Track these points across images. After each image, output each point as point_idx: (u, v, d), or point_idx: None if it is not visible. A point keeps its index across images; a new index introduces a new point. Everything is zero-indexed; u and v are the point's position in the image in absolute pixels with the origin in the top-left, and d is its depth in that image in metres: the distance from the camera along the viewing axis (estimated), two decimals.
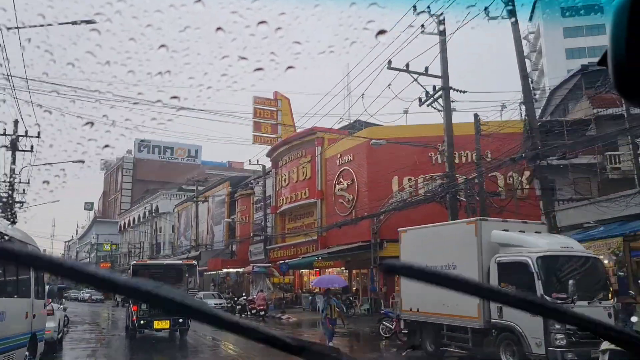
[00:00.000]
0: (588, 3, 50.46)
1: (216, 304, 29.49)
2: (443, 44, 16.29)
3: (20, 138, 21.34)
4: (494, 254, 9.09)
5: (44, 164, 24.38)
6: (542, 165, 13.48)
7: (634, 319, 9.15)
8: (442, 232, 10.67)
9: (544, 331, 7.87)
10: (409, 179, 23.86)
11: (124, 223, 70.70)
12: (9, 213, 21.65)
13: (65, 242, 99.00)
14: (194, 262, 17.61)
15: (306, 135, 30.02)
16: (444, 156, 19.32)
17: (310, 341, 0.85)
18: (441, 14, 15.71)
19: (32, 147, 21.32)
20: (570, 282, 7.76)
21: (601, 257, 10.38)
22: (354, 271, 27.11)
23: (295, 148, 31.40)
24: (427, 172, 22.99)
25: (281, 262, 27.99)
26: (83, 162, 23.98)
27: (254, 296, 26.78)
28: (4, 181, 21.47)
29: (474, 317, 9.12)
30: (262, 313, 24.02)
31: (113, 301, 44.57)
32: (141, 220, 62.45)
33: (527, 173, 22.33)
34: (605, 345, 6.98)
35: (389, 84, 16.62)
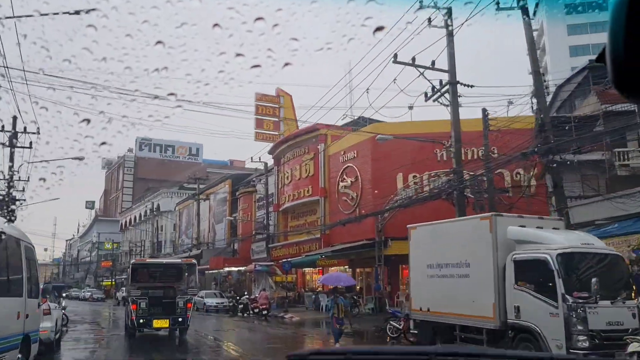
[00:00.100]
0: (591, 0, 50.04)
1: (218, 303, 29.21)
2: (450, 37, 15.90)
3: (20, 135, 21.01)
4: (509, 251, 8.67)
5: (43, 161, 24.06)
6: (554, 161, 13.07)
7: None
8: (454, 229, 10.26)
9: (565, 332, 7.45)
10: (414, 176, 23.44)
11: (125, 221, 70.45)
12: (7, 211, 21.30)
13: (66, 240, 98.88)
14: (194, 260, 17.33)
15: (309, 132, 29.62)
16: (449, 153, 18.94)
17: None
18: (449, 8, 15.36)
19: (30, 143, 20.99)
20: (593, 280, 7.34)
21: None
22: (357, 270, 26.71)
23: (297, 145, 30.99)
24: (432, 169, 22.57)
25: (284, 260, 27.60)
26: (82, 158, 23.62)
27: (257, 295, 26.42)
28: (2, 179, 21.12)
29: (489, 317, 8.70)
30: (264, 312, 23.64)
31: (114, 300, 44.30)
32: (142, 218, 62.16)
33: (533, 170, 22.01)
34: (634, 347, 6.57)
35: (394, 79, 16.24)
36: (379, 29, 10.21)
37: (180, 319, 14.05)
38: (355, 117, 26.57)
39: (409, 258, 11.18)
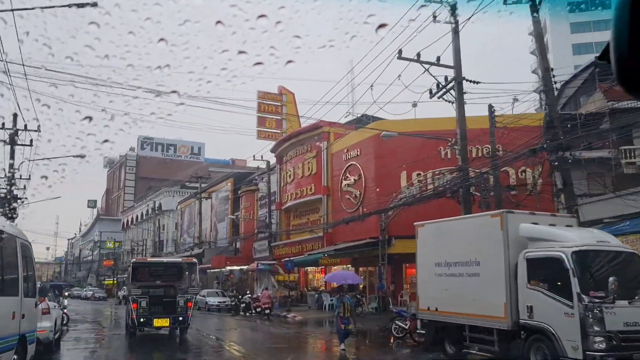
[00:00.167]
0: None
1: (220, 302, 28.98)
2: (455, 32, 15.62)
3: (21, 132, 20.78)
4: (521, 249, 8.39)
5: (44, 159, 23.84)
6: (564, 157, 12.79)
7: None
8: (463, 226, 9.98)
9: (581, 333, 7.17)
10: (418, 174, 23.17)
11: (127, 220, 70.36)
12: (8, 209, 21.09)
13: (68, 239, 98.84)
14: (194, 259, 17.20)
15: (311, 129, 29.35)
16: (454, 150, 18.64)
17: None
18: (454, 3, 15.09)
19: (31, 141, 20.77)
20: (610, 279, 7.05)
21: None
22: (360, 268, 26.44)
23: (300, 143, 30.74)
24: (436, 166, 22.34)
25: (286, 259, 27.34)
26: (84, 156, 23.36)
27: (259, 294, 26.17)
28: (2, 177, 20.90)
29: (500, 317, 8.42)
30: (267, 312, 23.40)
31: (116, 299, 44.13)
32: (144, 217, 62.03)
33: (540, 167, 21.72)
34: None
35: (399, 75, 16.02)
36: (382, 26, 10.02)
37: (180, 318, 14.00)
38: (359, 115, 26.30)
39: (416, 256, 10.91)
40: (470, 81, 15.93)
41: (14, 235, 6.90)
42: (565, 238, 8.07)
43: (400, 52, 15.51)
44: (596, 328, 7.11)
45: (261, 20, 7.16)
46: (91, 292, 52.91)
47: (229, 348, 13.30)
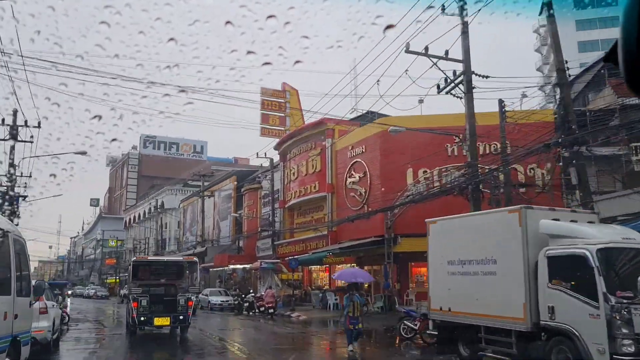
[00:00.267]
0: None
1: (222, 301, 28.62)
2: (465, 25, 15.21)
3: (24, 129, 20.43)
4: (541, 246, 7.95)
5: (42, 155, 23.53)
6: (580, 152, 12.36)
7: None
8: (479, 223, 9.54)
9: (607, 335, 6.74)
10: (424, 171, 22.73)
11: (130, 219, 70.15)
12: (10, 206, 20.78)
13: (71, 238, 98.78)
14: (195, 258, 17.05)
15: (315, 126, 28.95)
16: (461, 147, 18.18)
17: None
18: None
19: (31, 137, 20.43)
20: (639, 278, 6.62)
21: None
22: (365, 267, 25.98)
23: (304, 140, 30.33)
24: (443, 164, 21.89)
25: (291, 257, 26.95)
26: (85, 153, 23.03)
27: (262, 293, 25.79)
28: (3, 175, 20.58)
29: (518, 318, 8.00)
30: (270, 311, 23.01)
31: (118, 298, 43.85)
32: (146, 216, 61.80)
33: (550, 164, 21.27)
34: None
35: (406, 70, 15.62)
36: (389, 27, 9.80)
37: (181, 317, 13.88)
38: (364, 111, 25.90)
39: (428, 254, 10.48)
40: (480, 75, 15.54)
41: (5, 230, 6.51)
42: (589, 235, 7.63)
43: (407, 45, 15.14)
44: (624, 330, 6.67)
45: (270, 21, 6.93)
46: (93, 291, 52.75)
47: (232, 349, 12.93)
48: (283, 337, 16.38)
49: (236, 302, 27.60)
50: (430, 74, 15.69)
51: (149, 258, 24.22)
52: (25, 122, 20.61)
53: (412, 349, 12.39)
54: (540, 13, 15.71)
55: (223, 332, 17.35)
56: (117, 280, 57.17)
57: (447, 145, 21.93)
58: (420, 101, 24.78)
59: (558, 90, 13.45)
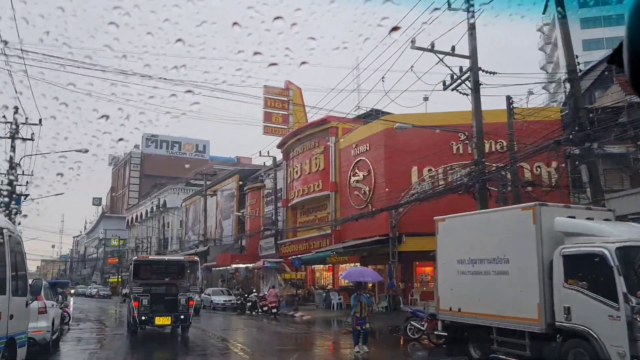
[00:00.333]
0: None
1: (225, 301, 28.38)
2: (471, 16, 14.91)
3: (28, 127, 20.21)
4: (556, 245, 7.66)
5: (45, 153, 23.31)
6: (591, 149, 12.06)
7: None
8: (490, 220, 9.24)
9: (628, 337, 6.45)
10: (429, 170, 22.44)
11: (132, 218, 70.04)
12: (11, 205, 20.56)
13: (73, 237, 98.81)
14: (196, 257, 16.87)
15: (319, 124, 28.68)
16: (467, 145, 17.88)
17: None
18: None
19: (32, 135, 20.21)
20: None
21: None
22: (369, 267, 25.69)
23: (307, 139, 30.06)
24: (448, 162, 21.59)
25: (294, 257, 26.68)
26: (86, 151, 22.78)
27: (265, 292, 25.54)
28: (4, 173, 20.36)
29: (533, 319, 7.71)
30: (273, 311, 22.75)
31: (120, 297, 43.69)
32: (149, 215, 61.65)
33: (558, 163, 20.95)
34: None
35: (412, 66, 15.39)
36: (395, 29, 9.81)
37: (182, 316, 13.80)
38: (368, 109, 25.61)
39: (436, 253, 10.19)
40: (487, 72, 15.27)
41: (1, 226, 6.26)
42: (607, 233, 7.34)
43: (413, 41, 14.89)
44: None
45: (277, 22, 6.85)
46: (96, 290, 52.66)
47: (235, 349, 12.68)
48: (286, 338, 16.12)
49: (239, 302, 27.36)
50: (436, 71, 15.43)
51: (150, 257, 24.08)
52: (26, 119, 20.41)
53: (419, 350, 12.12)
54: (544, 12, 15.46)
55: (226, 332, 17.11)
56: (120, 279, 57.03)
57: (452, 143, 21.68)
58: (426, 99, 24.39)
59: (566, 87, 13.08)
